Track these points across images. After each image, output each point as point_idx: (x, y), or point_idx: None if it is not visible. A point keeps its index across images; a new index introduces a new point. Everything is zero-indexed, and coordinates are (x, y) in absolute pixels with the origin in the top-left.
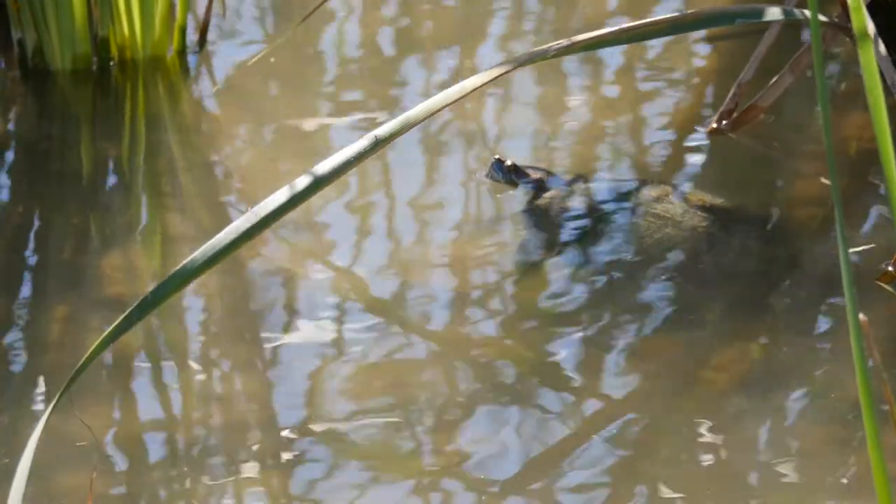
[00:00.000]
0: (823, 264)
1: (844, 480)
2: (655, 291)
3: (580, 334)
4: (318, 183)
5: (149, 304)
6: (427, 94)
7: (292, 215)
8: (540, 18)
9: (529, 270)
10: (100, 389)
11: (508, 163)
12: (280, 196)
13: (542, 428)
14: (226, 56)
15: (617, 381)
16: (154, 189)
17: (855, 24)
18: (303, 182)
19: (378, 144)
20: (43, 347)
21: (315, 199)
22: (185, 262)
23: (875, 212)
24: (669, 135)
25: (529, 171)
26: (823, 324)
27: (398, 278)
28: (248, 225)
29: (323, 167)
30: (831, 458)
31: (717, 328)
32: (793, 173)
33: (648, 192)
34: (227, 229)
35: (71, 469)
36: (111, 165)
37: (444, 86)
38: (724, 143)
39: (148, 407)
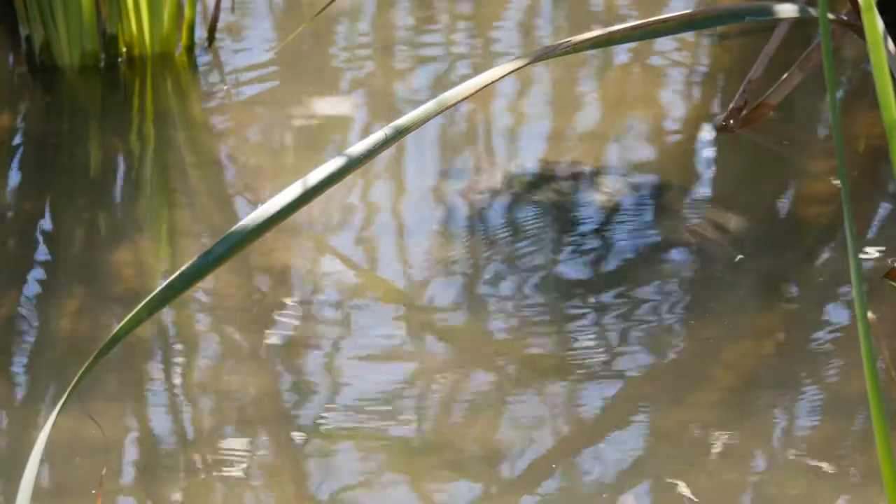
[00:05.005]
0: (832, 261)
1: (852, 477)
2: (661, 290)
3: (587, 331)
4: (330, 179)
5: (159, 301)
6: (439, 90)
7: (303, 211)
8: (552, 15)
9: (536, 267)
10: (109, 385)
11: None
12: (292, 192)
13: (548, 425)
14: (235, 52)
15: (624, 379)
16: (163, 185)
17: (866, 22)
18: (314, 177)
19: (388, 141)
20: (53, 343)
21: (325, 196)
22: (195, 258)
23: (884, 209)
24: (678, 132)
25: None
26: (832, 321)
27: (408, 274)
28: (259, 221)
29: (334, 163)
30: (840, 454)
31: (725, 326)
32: (802, 171)
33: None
34: (237, 226)
35: (80, 465)
36: (120, 162)
37: (456, 82)
38: (734, 141)
39: (157, 403)
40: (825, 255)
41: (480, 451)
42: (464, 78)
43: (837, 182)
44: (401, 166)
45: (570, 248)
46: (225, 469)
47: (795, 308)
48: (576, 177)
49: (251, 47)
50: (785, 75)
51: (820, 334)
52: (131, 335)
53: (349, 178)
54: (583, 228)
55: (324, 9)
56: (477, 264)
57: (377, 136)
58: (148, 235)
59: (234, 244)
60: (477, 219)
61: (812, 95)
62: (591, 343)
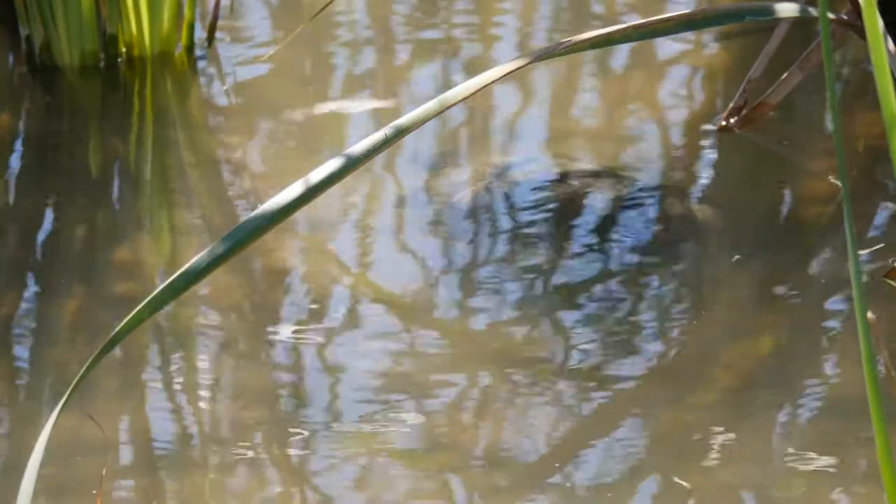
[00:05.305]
0: (832, 261)
1: (852, 477)
2: (661, 289)
3: (586, 330)
4: (330, 179)
5: (160, 301)
6: (438, 90)
7: (303, 211)
8: (553, 13)
9: (535, 266)
10: (109, 385)
11: None
12: (292, 192)
13: (548, 424)
14: (234, 52)
15: (624, 378)
16: (162, 185)
17: (866, 22)
18: (315, 177)
19: (388, 141)
20: (53, 343)
21: (325, 195)
22: (195, 258)
23: (884, 209)
24: (678, 132)
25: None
26: (831, 321)
27: (407, 274)
28: (259, 221)
29: (334, 163)
30: (840, 454)
31: (725, 326)
32: (802, 170)
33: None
34: (237, 225)
35: (80, 465)
36: (119, 161)
37: (456, 81)
38: (734, 141)
39: (157, 403)
40: (825, 255)
41: (481, 452)
42: (464, 77)
43: (837, 182)
44: (400, 166)
45: (569, 248)
46: (225, 469)
47: (795, 308)
48: (576, 176)
49: (251, 47)
50: (785, 75)
51: (820, 334)
52: (131, 335)
53: (349, 178)
54: (582, 228)
55: (323, 9)
56: (476, 264)
57: (377, 135)
58: (148, 235)
59: (235, 244)
60: (476, 218)
61: (812, 95)
62: (591, 343)
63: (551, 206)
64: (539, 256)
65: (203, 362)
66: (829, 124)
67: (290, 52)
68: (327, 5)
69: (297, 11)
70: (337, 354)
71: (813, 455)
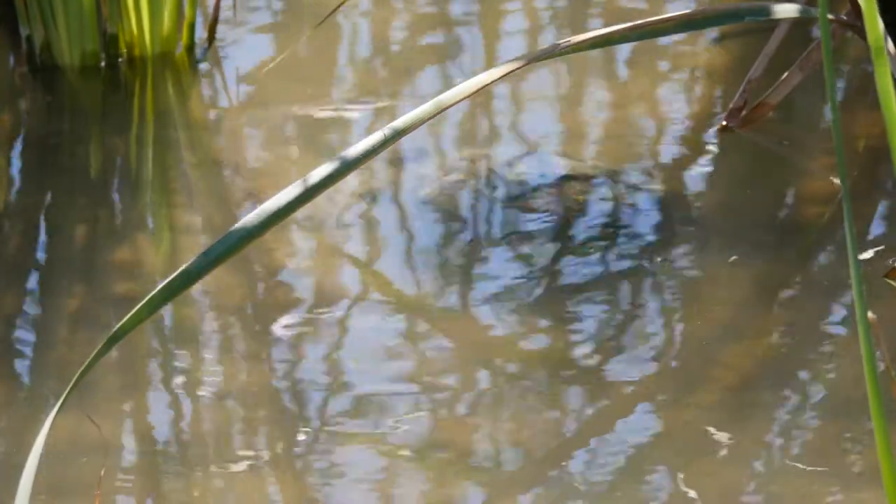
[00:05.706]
0: (832, 261)
1: (852, 477)
2: (661, 289)
3: (586, 331)
4: (330, 179)
5: (159, 301)
6: (440, 90)
7: (303, 210)
8: (554, 14)
9: (535, 266)
10: (109, 385)
11: None
12: (291, 191)
13: (548, 425)
14: (235, 52)
15: (624, 378)
16: (163, 185)
17: (867, 22)
18: (314, 177)
19: (387, 142)
20: (53, 343)
21: (326, 195)
22: (195, 257)
23: (884, 209)
24: (678, 132)
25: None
26: (832, 321)
27: (408, 274)
28: (259, 221)
29: (334, 163)
30: (840, 454)
31: (724, 326)
32: (802, 170)
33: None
34: (237, 225)
35: (80, 465)
36: (120, 161)
37: (457, 81)
38: (734, 141)
39: (157, 403)
40: (825, 255)
41: (481, 452)
42: (464, 78)
43: (837, 182)
44: (400, 167)
45: (569, 247)
46: (225, 469)
47: (795, 308)
48: (576, 176)
49: (252, 47)
50: (785, 75)
51: (820, 334)
52: (131, 335)
53: (350, 177)
54: (582, 227)
55: (328, 16)
56: (477, 264)
57: (376, 136)
58: (148, 235)
59: (234, 244)
60: (476, 218)
61: (812, 95)
62: (591, 343)
63: (551, 205)
64: (539, 256)
65: (203, 362)
66: (830, 124)
67: (291, 52)
68: (332, 13)
69: (298, 11)
70: (338, 353)
71: (813, 455)
